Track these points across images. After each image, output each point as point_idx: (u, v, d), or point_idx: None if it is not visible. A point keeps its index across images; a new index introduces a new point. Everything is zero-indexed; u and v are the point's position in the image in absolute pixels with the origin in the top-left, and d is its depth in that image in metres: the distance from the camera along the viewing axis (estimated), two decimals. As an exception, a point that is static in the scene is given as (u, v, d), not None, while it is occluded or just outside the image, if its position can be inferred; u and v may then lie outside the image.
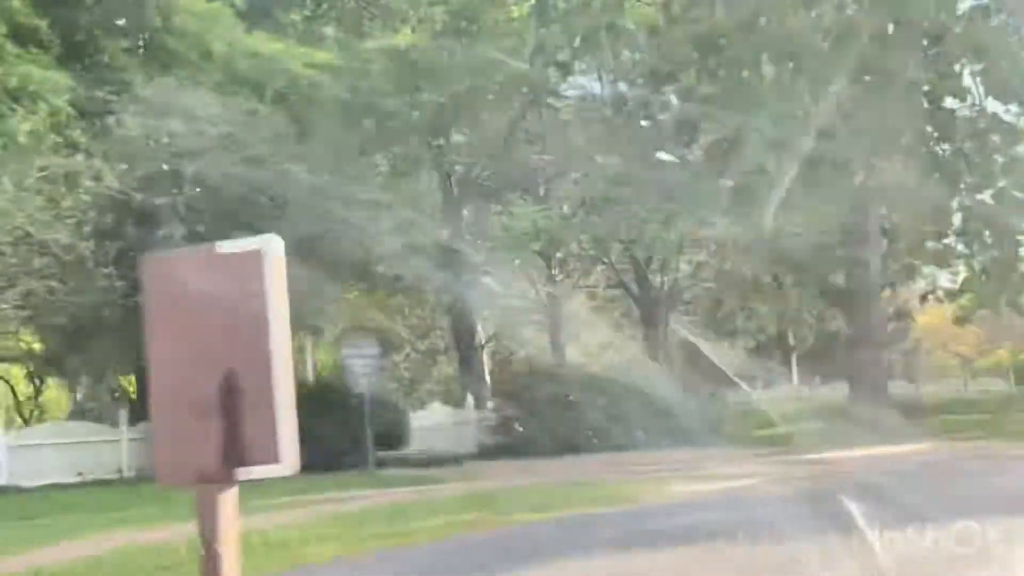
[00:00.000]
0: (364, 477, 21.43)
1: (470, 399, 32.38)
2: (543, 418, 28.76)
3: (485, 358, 43.90)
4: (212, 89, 24.58)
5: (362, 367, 22.94)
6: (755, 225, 29.79)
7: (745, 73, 27.68)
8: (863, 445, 24.03)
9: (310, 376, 31.43)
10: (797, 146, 27.21)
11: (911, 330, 48.23)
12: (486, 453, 29.16)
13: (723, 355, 41.02)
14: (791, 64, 27.64)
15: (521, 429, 28.82)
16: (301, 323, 30.81)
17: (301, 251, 25.74)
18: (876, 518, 9.38)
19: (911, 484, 12.62)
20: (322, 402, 23.49)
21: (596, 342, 43.44)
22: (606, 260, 38.27)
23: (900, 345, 48.10)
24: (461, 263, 33.37)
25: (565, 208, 31.15)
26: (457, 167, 34.21)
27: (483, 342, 44.07)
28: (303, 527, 13.23)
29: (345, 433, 23.12)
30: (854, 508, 9.66)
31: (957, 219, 29.26)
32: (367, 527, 13.03)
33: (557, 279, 40.67)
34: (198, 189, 22.58)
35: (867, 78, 26.54)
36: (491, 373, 42.51)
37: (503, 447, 28.79)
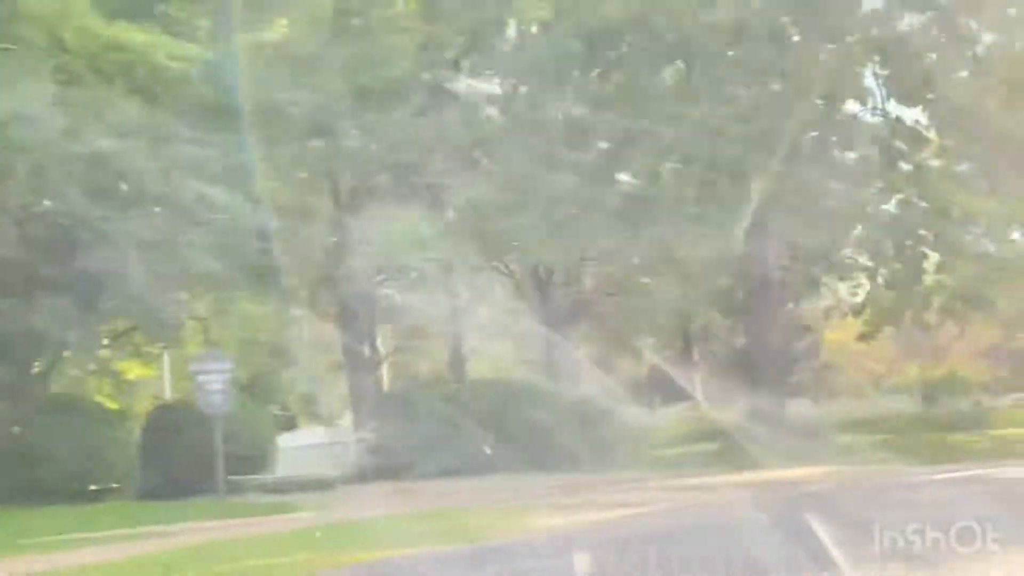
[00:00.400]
0: (211, 505, 19.58)
1: (349, 418, 30.57)
2: (427, 438, 27.01)
3: (384, 374, 42.18)
4: (60, 79, 22.59)
5: (213, 383, 21.01)
6: (652, 235, 28.44)
7: (640, 74, 26.20)
8: (756, 468, 22.82)
9: (167, 393, 29.41)
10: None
11: (821, 346, 47.22)
12: (364, 476, 27.41)
13: (626, 371, 39.72)
14: (688, 64, 26.27)
15: (400, 450, 27.01)
16: (164, 334, 28.82)
17: (161, 258, 23.93)
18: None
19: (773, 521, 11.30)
20: (171, 423, 21.57)
21: (497, 358, 41.85)
22: (506, 271, 36.59)
23: (810, 362, 47.05)
24: (356, 274, 31.59)
25: (450, 215, 29.43)
26: (346, 171, 32.35)
27: (382, 357, 42.38)
28: (97, 569, 11.45)
29: (197, 456, 21.18)
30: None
31: (860, 230, 27.93)
32: (162, 570, 11.22)
33: (458, 291, 39.00)
34: (34, 186, 20.56)
35: (766, 80, 25.22)
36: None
37: (382, 469, 27.03)
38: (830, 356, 48.51)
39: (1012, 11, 26.88)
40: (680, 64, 26.91)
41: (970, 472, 19.26)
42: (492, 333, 44.04)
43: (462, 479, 24.06)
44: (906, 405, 38.56)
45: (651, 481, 22.83)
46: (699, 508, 16.30)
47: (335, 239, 31.51)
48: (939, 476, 18.90)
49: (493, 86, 29.22)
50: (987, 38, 27.49)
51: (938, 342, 43.09)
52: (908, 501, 14.56)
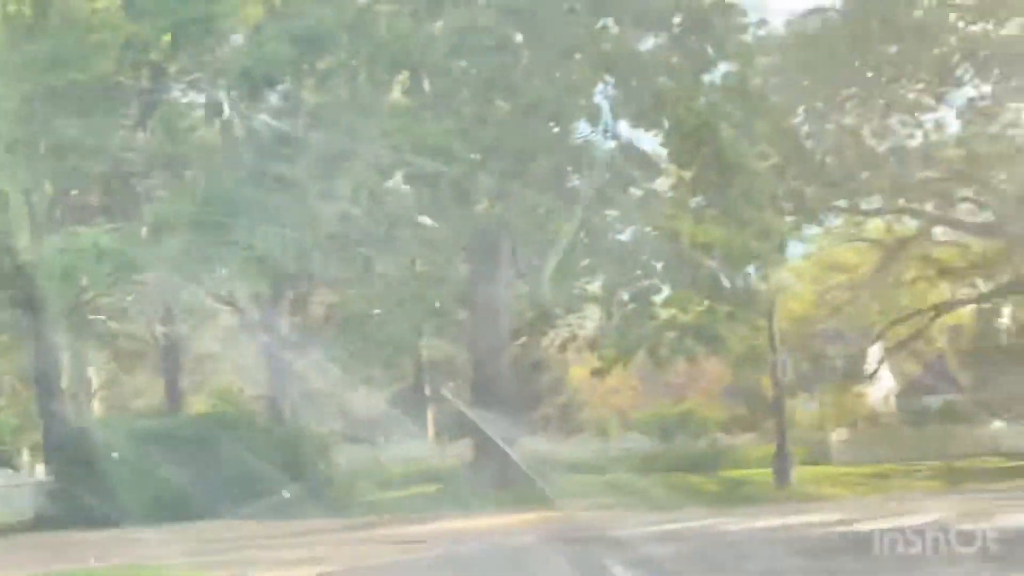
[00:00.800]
0: None
1: (26, 457, 27.42)
2: (120, 480, 24.19)
3: (93, 407, 38.84)
4: None
5: None
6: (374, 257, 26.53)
7: (360, 84, 24.14)
8: (471, 513, 21.15)
9: None
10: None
11: (565, 382, 46.28)
12: (49, 522, 24.62)
13: (355, 407, 37.45)
14: (413, 76, 24.39)
15: (89, 493, 24.11)
16: None
17: None
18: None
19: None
20: None
21: (219, 391, 38.94)
22: (228, 297, 33.76)
23: (553, 398, 46.01)
24: (54, 295, 28.37)
25: (149, 231, 26.58)
26: (41, 181, 29.14)
27: (92, 389, 39.02)
28: None
29: None
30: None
31: (590, 260, 26.41)
32: None
33: (175, 318, 36.03)
34: None
35: (492, 95, 23.55)
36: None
37: (64, 516, 24.26)
38: (576, 392, 47.53)
39: (747, 38, 25.99)
40: (404, 76, 24.94)
41: (693, 523, 17.92)
42: (214, 364, 41.20)
43: (146, 527, 21.48)
44: (647, 443, 37.58)
45: (353, 531, 20.85)
46: (374, 569, 14.28)
47: (30, 257, 28.33)
48: (651, 528, 17.34)
49: (199, 92, 26.70)
50: (723, 66, 26.49)
51: (680, 379, 42.60)
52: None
